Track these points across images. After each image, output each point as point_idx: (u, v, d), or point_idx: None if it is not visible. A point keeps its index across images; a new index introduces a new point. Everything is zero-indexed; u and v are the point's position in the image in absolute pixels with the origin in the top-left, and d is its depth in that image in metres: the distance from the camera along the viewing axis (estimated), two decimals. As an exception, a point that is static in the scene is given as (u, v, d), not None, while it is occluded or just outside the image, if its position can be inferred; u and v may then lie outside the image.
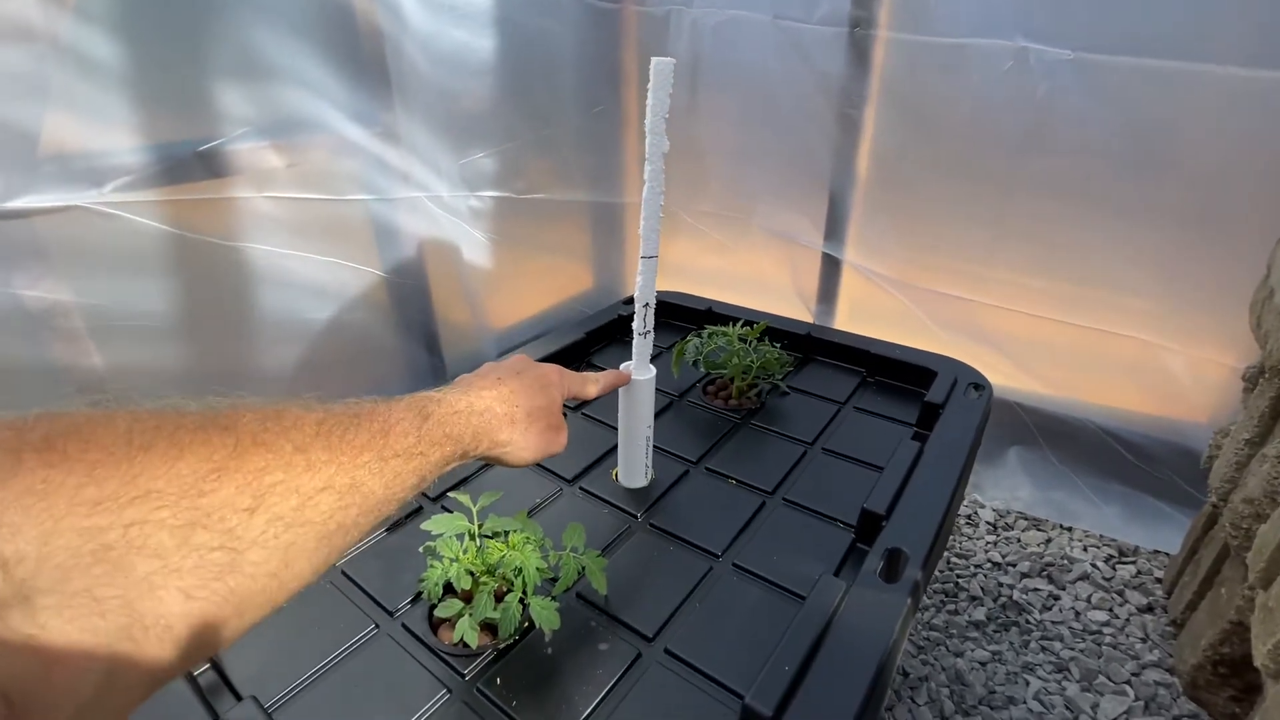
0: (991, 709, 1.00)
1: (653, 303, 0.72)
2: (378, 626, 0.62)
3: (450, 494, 0.67)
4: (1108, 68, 1.09)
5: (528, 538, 0.61)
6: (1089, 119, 1.15)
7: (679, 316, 1.29)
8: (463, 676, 0.57)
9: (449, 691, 0.56)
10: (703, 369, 1.01)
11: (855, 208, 1.50)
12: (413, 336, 1.30)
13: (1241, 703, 0.94)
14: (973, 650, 1.10)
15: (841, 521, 0.77)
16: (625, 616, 0.64)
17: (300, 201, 1.04)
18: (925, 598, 1.20)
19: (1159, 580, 1.23)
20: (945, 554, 1.30)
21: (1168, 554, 1.27)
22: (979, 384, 0.98)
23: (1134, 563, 1.27)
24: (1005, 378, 1.43)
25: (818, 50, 1.35)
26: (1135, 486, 1.34)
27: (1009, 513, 1.41)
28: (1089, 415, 1.37)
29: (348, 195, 1.13)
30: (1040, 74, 1.14)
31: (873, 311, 1.58)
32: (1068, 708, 1.00)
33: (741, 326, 1.03)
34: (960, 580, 1.23)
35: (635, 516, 0.78)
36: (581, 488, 0.83)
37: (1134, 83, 1.08)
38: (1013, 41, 1.14)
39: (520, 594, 0.57)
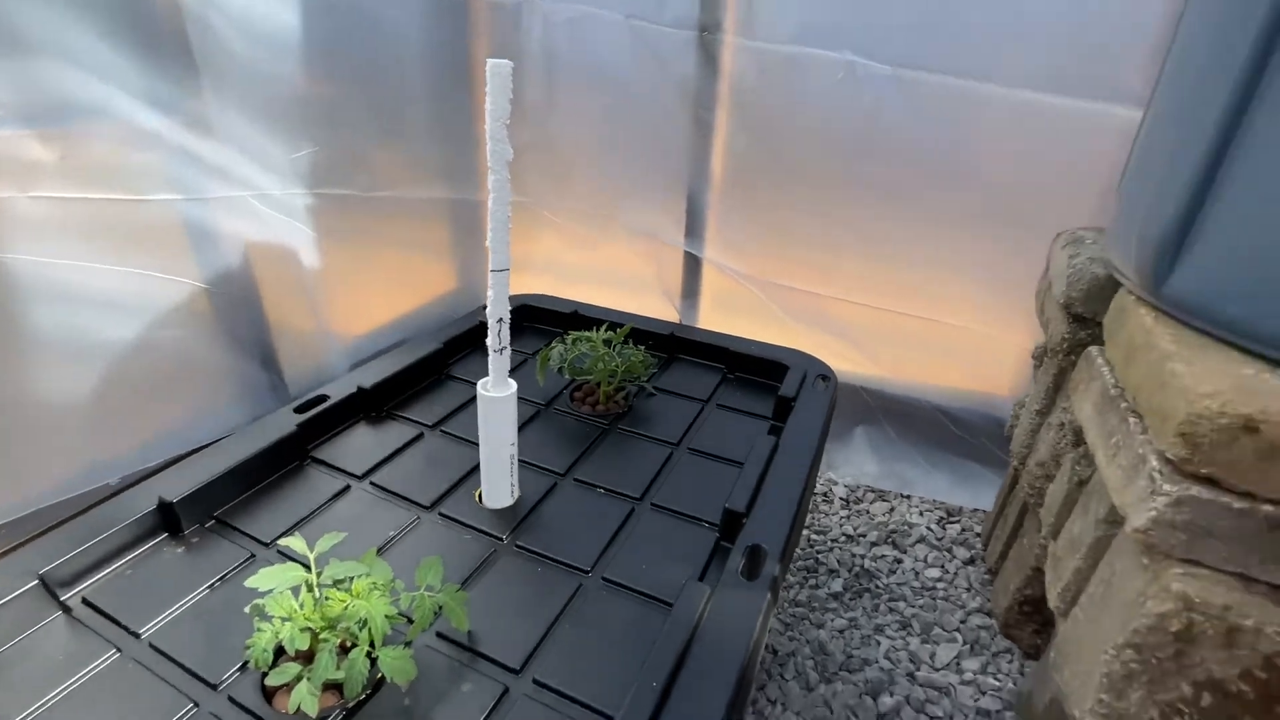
0: (849, 673, 1.09)
1: (507, 317, 0.69)
2: (197, 705, 0.54)
3: (283, 541, 0.60)
4: (922, 84, 1.20)
5: (374, 583, 0.56)
6: (907, 129, 1.27)
7: (544, 320, 1.26)
8: (306, 746, 0.51)
9: (289, 766, 0.50)
10: (568, 375, 0.99)
11: (712, 207, 1.55)
12: (243, 352, 1.16)
13: (1041, 635, 1.10)
14: (832, 620, 1.19)
15: (706, 521, 0.79)
16: (490, 651, 0.61)
17: (80, 202, 0.88)
18: (790, 575, 1.28)
19: (979, 535, 1.41)
20: (805, 532, 1.40)
21: (985, 511, 1.45)
22: (825, 375, 1.05)
23: (959, 521, 1.44)
24: (851, 364, 1.55)
25: (670, 52, 1.37)
26: (960, 454, 1.52)
27: (859, 487, 1.54)
28: (923, 394, 1.53)
29: (148, 195, 0.97)
30: (867, 86, 1.24)
31: (733, 306, 1.64)
32: (911, 660, 1.12)
33: (606, 330, 1.02)
34: (819, 555, 1.33)
35: (500, 539, 0.75)
36: (441, 514, 0.78)
37: (943, 98, 1.21)
38: (841, 54, 1.23)
39: (367, 647, 0.52)
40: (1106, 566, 0.72)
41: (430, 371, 1.06)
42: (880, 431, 1.58)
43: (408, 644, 0.56)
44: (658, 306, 1.68)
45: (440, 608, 0.58)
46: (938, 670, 1.10)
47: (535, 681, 0.59)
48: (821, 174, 1.42)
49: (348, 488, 0.81)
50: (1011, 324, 1.36)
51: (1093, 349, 0.84)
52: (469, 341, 1.15)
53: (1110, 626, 0.68)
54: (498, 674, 0.59)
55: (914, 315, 1.44)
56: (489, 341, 0.70)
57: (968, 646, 1.14)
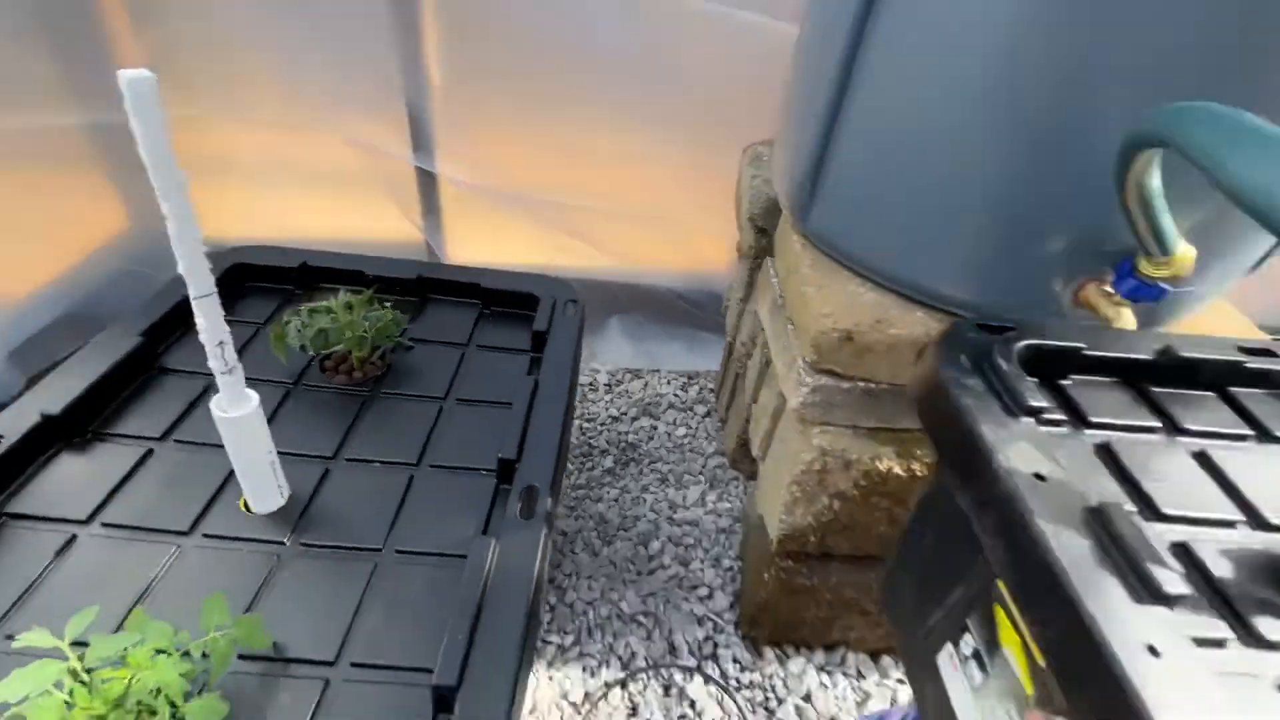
0: (625, 531, 1.35)
1: (228, 339, 0.64)
2: (-23, 829, 0.51)
3: (15, 641, 0.55)
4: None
5: (153, 649, 0.56)
6: (621, 36, 1.31)
7: (268, 278, 1.13)
8: (128, 810, 0.53)
9: (116, 834, 0.52)
10: (312, 351, 0.95)
11: (436, 118, 1.45)
12: None
13: (755, 466, 1.47)
14: (608, 492, 1.42)
15: (484, 469, 0.88)
16: (301, 653, 0.66)
17: None
18: (570, 465, 1.47)
19: (713, 391, 1.73)
20: (577, 421, 1.58)
21: (715, 370, 1.78)
22: (573, 299, 1.16)
23: (697, 384, 1.75)
24: (596, 261, 1.68)
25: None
26: (694, 327, 1.80)
27: (618, 370, 1.75)
28: (659, 280, 1.73)
29: None
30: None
31: (478, 221, 1.63)
32: (670, 507, 1.41)
33: (348, 294, 0.98)
34: (592, 440, 1.54)
35: (282, 543, 0.76)
36: (206, 535, 0.75)
37: (649, 7, 1.26)
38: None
39: (169, 710, 0.54)
40: (781, 429, 0.99)
41: (136, 370, 0.92)
42: (631, 318, 1.78)
43: (212, 689, 0.58)
44: (398, 230, 1.59)
45: (235, 641, 0.60)
46: (689, 509, 1.41)
47: (353, 664, 0.66)
48: (543, 83, 1.41)
49: (73, 538, 0.73)
50: (726, 216, 1.57)
51: (769, 259, 1.06)
52: (175, 323, 1.00)
53: (783, 470, 0.95)
54: (314, 672, 0.65)
55: (644, 215, 1.59)
56: (212, 365, 0.65)
57: (709, 484, 1.47)
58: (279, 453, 0.78)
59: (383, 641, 0.68)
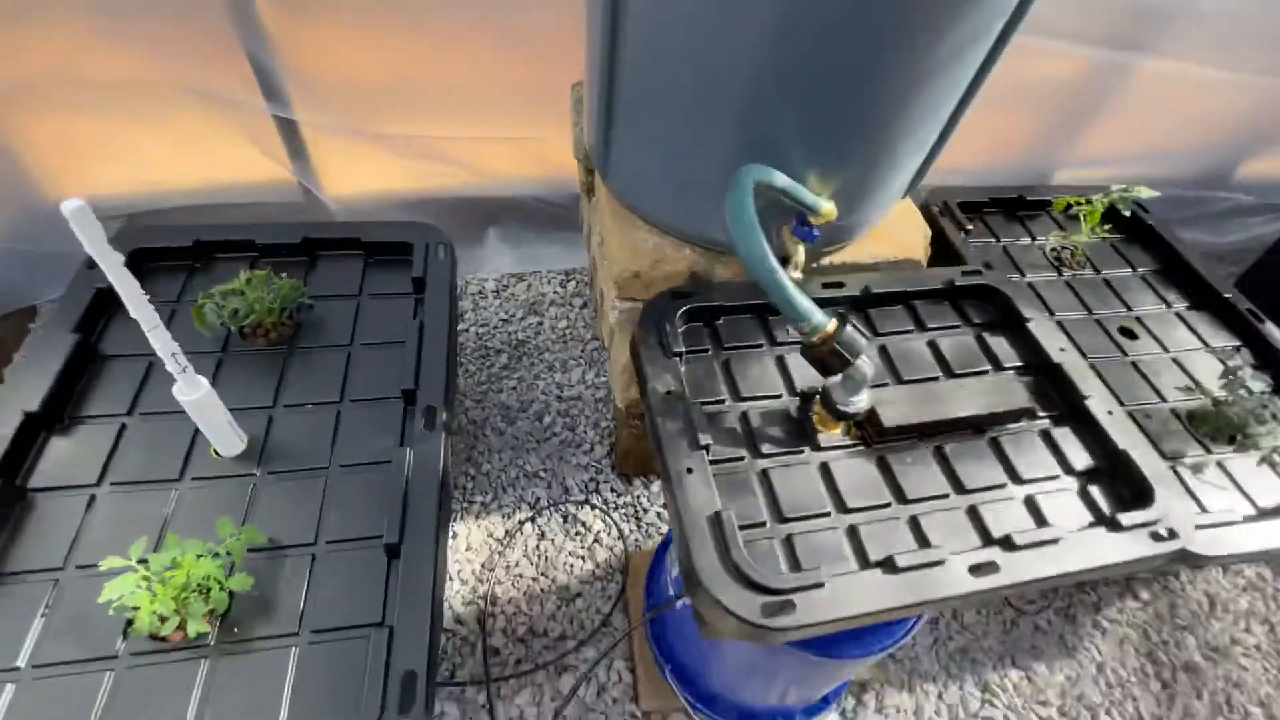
0: (524, 412, 1.71)
1: (178, 350, 0.88)
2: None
3: (101, 565, 0.85)
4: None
5: (194, 554, 0.87)
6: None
7: (168, 258, 1.29)
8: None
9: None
10: (231, 327, 1.17)
11: (280, 63, 1.51)
12: None
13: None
14: (506, 383, 1.76)
15: (393, 397, 1.18)
16: (290, 542, 0.99)
17: None
18: (471, 366, 1.78)
19: (588, 285, 2.03)
20: (473, 329, 1.86)
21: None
22: (444, 243, 1.39)
23: (574, 279, 2.04)
24: (466, 181, 1.85)
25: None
26: (566, 229, 2.04)
27: (504, 277, 2.01)
28: (528, 190, 1.93)
29: None
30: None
31: (347, 155, 1.74)
32: (558, 388, 1.77)
33: (247, 272, 1.18)
34: (488, 344, 1.84)
35: (254, 474, 1.06)
36: (194, 479, 1.04)
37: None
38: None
39: (217, 587, 0.87)
40: (613, 332, 1.32)
41: (83, 362, 1.13)
42: (506, 227, 2.00)
43: (235, 571, 0.91)
44: (269, 168, 1.69)
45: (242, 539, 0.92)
46: (574, 387, 1.78)
47: (328, 542, 1.00)
48: (382, 17, 1.48)
49: (93, 498, 1.00)
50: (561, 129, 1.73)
51: (593, 199, 1.32)
52: (98, 314, 1.19)
53: (617, 359, 1.30)
54: (303, 551, 0.98)
55: (502, 137, 1.75)
56: (170, 369, 0.90)
57: (588, 365, 1.82)
58: (230, 409, 1.05)
59: (344, 525, 1.02)
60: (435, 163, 1.77)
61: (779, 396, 0.75)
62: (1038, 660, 1.45)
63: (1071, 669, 1.45)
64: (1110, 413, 0.75)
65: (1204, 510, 1.20)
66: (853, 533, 0.65)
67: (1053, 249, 1.68)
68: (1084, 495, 0.68)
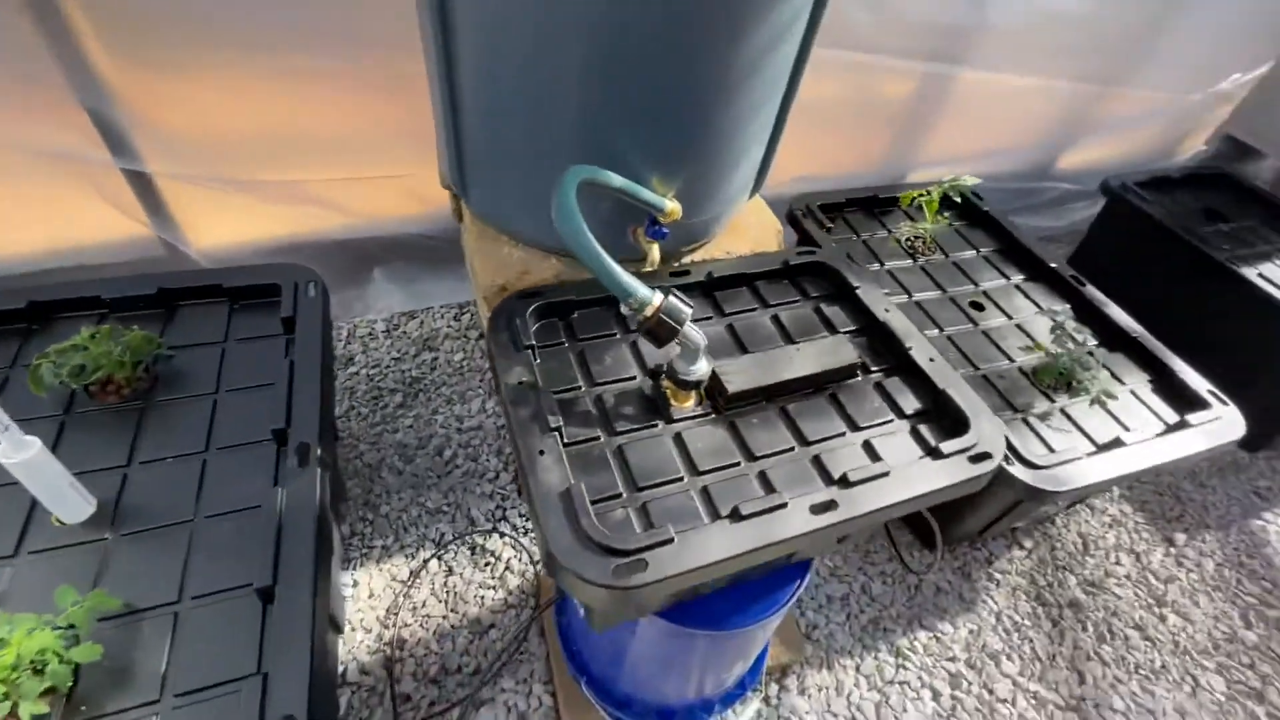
0: (422, 449, 1.67)
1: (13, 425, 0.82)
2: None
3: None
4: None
5: (26, 629, 0.79)
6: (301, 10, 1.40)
7: (2, 321, 1.20)
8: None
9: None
10: (74, 386, 1.09)
11: (124, 112, 1.45)
12: None
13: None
14: (403, 422, 1.71)
15: (264, 440, 1.13)
16: (149, 603, 0.92)
17: None
18: (363, 409, 1.72)
19: (482, 315, 2.03)
20: (364, 371, 1.81)
21: (482, 296, 2.05)
22: (314, 281, 1.36)
23: (469, 311, 2.03)
24: (348, 223, 1.82)
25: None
26: (454, 263, 2.03)
27: (394, 316, 1.97)
28: (409, 228, 1.92)
29: None
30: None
31: (213, 205, 1.67)
32: (457, 419, 1.74)
33: (96, 325, 1.11)
34: (380, 384, 1.79)
35: (105, 538, 0.98)
36: (31, 552, 0.95)
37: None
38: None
39: (56, 661, 0.79)
40: (500, 351, 1.32)
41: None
42: (391, 267, 1.97)
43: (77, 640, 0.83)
44: (124, 228, 1.61)
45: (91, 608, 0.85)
46: (474, 418, 1.75)
47: (193, 598, 0.93)
48: (235, 62, 1.46)
49: (-91, 586, 0.89)
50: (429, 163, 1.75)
51: (462, 223, 1.33)
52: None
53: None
54: (164, 611, 0.91)
55: (379, 176, 1.74)
56: (-13, 428, 0.83)
57: (487, 393, 1.81)
58: (76, 472, 0.97)
59: (212, 577, 0.96)
60: (310, 206, 1.74)
61: (633, 378, 0.78)
62: (942, 619, 1.53)
63: (973, 622, 1.53)
64: (931, 360, 0.83)
65: (1052, 450, 1.33)
66: (704, 493, 0.68)
67: (906, 239, 1.83)
68: (914, 433, 0.74)
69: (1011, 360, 1.53)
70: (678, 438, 0.73)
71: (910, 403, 0.81)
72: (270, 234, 1.79)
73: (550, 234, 1.09)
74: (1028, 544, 1.70)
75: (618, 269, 0.68)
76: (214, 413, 1.16)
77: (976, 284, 1.74)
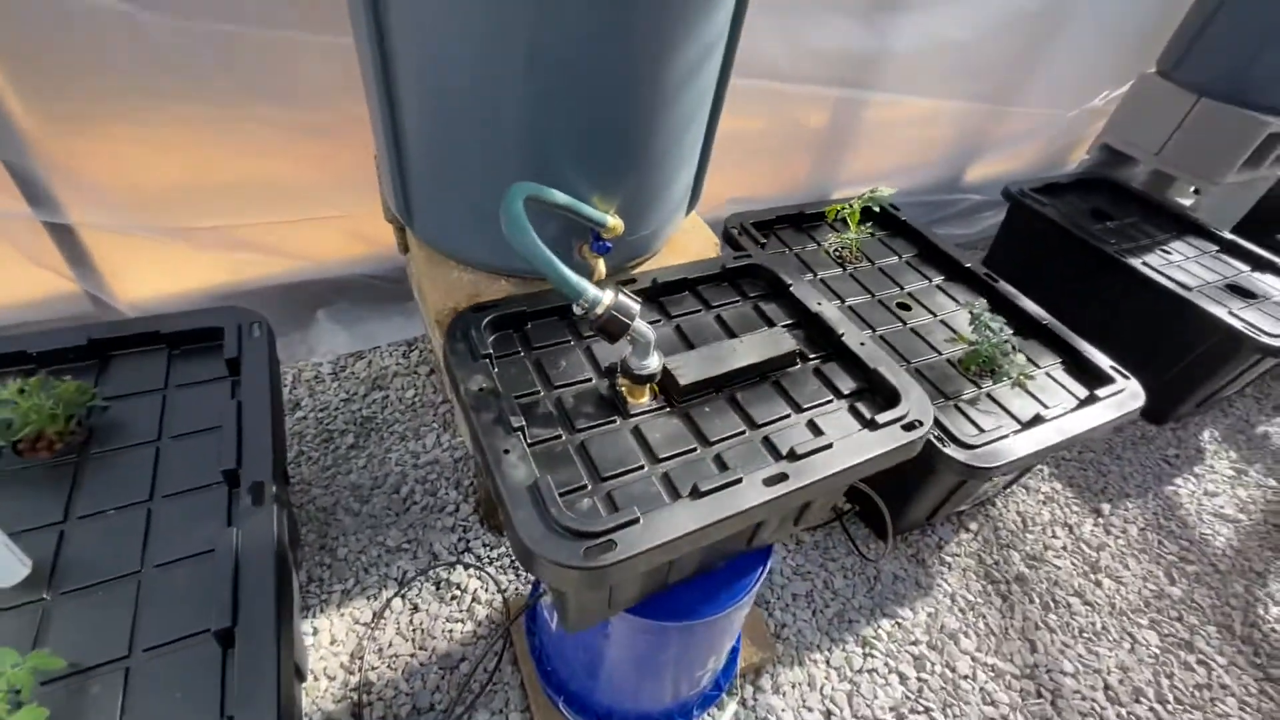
0: (379, 488, 1.64)
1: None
2: None
3: None
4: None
5: (-35, 694, 0.74)
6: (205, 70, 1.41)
7: (-91, 385, 1.13)
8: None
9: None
10: (2, 443, 1.04)
11: (43, 163, 1.42)
12: None
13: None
14: (356, 463, 1.68)
15: (215, 483, 1.10)
16: (97, 660, 0.87)
17: None
18: (313, 453, 1.69)
19: (432, 351, 2.02)
20: (310, 415, 1.78)
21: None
22: (257, 322, 1.34)
23: (418, 348, 2.02)
24: (288, 267, 1.81)
25: None
26: (399, 300, 2.03)
27: (340, 358, 1.94)
28: (352, 269, 1.92)
29: None
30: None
31: (141, 255, 1.63)
32: (413, 456, 1.72)
33: (17, 380, 1.06)
34: (330, 427, 1.75)
35: (43, 598, 0.92)
36: (-38, 619, 0.89)
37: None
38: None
39: (-1, 725, 0.74)
40: (454, 377, 1.33)
41: None
42: (335, 308, 1.96)
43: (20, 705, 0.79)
44: (46, 284, 1.55)
45: (34, 670, 0.80)
46: (429, 452, 1.74)
47: (144, 650, 0.89)
48: (152, 110, 1.45)
49: None
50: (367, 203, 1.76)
51: (409, 255, 1.35)
52: None
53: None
54: (114, 667, 0.87)
55: (313, 216, 1.74)
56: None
57: (442, 427, 1.80)
58: (8, 533, 0.92)
59: (165, 627, 0.92)
60: (246, 252, 1.72)
61: (589, 380, 0.82)
62: (902, 605, 1.59)
63: (930, 605, 1.60)
64: (862, 344, 0.90)
65: (982, 431, 1.43)
66: (665, 478, 0.72)
67: (834, 250, 1.96)
68: (852, 410, 0.80)
69: (939, 353, 1.65)
70: (636, 430, 0.77)
71: (846, 383, 0.88)
72: (206, 281, 1.75)
73: (499, 254, 1.13)
74: (973, 526, 1.80)
75: (569, 271, 0.72)
76: (157, 460, 1.12)
77: (902, 286, 1.87)
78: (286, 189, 1.68)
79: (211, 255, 1.69)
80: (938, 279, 1.92)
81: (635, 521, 0.64)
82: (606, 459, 0.72)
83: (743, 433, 0.78)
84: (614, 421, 0.77)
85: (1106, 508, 1.91)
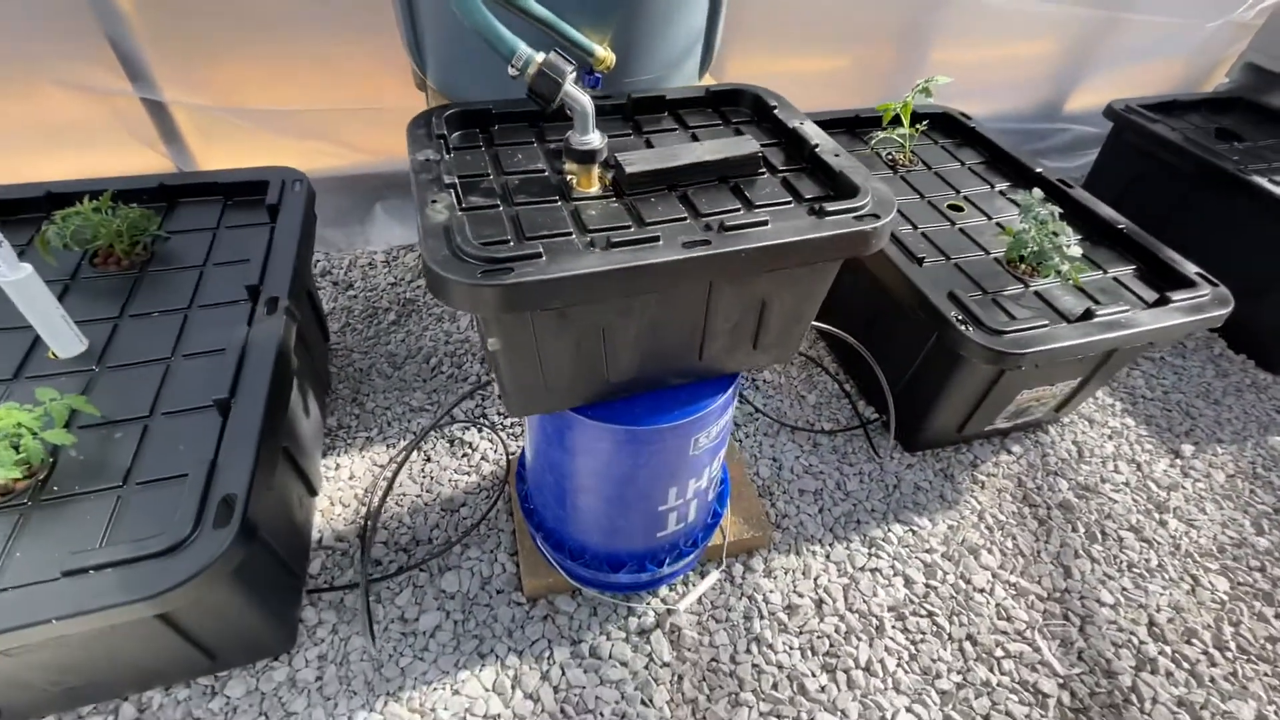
0: (412, 358, 1.75)
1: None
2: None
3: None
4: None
5: (8, 409, 0.89)
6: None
7: (23, 210, 1.34)
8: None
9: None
10: (76, 249, 1.21)
11: (142, 42, 1.61)
12: None
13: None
14: (395, 337, 1.80)
15: (240, 300, 1.22)
16: (125, 416, 1.01)
17: None
18: (359, 325, 1.82)
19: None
20: (358, 295, 1.92)
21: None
22: (299, 179, 1.46)
23: (464, 245, 2.12)
24: (346, 159, 1.95)
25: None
26: (450, 200, 2.13)
27: (393, 248, 2.08)
28: (400, 165, 2.02)
29: None
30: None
31: (226, 139, 1.82)
32: (445, 334, 1.82)
33: (91, 201, 1.23)
34: (376, 305, 1.89)
35: (93, 369, 1.08)
36: (29, 376, 1.06)
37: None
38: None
39: (31, 436, 0.88)
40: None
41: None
42: (391, 203, 2.09)
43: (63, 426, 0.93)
44: (145, 160, 1.76)
45: (70, 407, 0.94)
46: (462, 332, 1.83)
47: (163, 414, 1.02)
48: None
49: (-77, 396, 1.01)
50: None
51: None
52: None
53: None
54: (137, 423, 1.00)
55: (379, 108, 1.86)
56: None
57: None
58: (76, 321, 1.08)
59: (182, 398, 1.04)
60: (316, 141, 1.87)
61: (541, 171, 0.83)
62: (920, 515, 1.49)
63: (953, 519, 1.49)
64: (837, 155, 0.84)
65: (1014, 318, 1.30)
66: (590, 244, 0.72)
67: (887, 154, 1.83)
68: (811, 211, 0.76)
69: (987, 251, 1.51)
70: (574, 210, 0.77)
71: (811, 189, 0.83)
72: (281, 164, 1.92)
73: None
74: (1016, 450, 1.65)
75: (504, 28, 0.73)
76: (199, 280, 1.26)
77: (958, 190, 1.73)
78: (359, 83, 1.80)
79: (285, 142, 1.85)
80: (1002, 185, 1.75)
81: (538, 255, 0.65)
82: (535, 224, 0.73)
83: (684, 219, 0.76)
84: (554, 201, 0.78)
85: (1189, 449, 1.68)
